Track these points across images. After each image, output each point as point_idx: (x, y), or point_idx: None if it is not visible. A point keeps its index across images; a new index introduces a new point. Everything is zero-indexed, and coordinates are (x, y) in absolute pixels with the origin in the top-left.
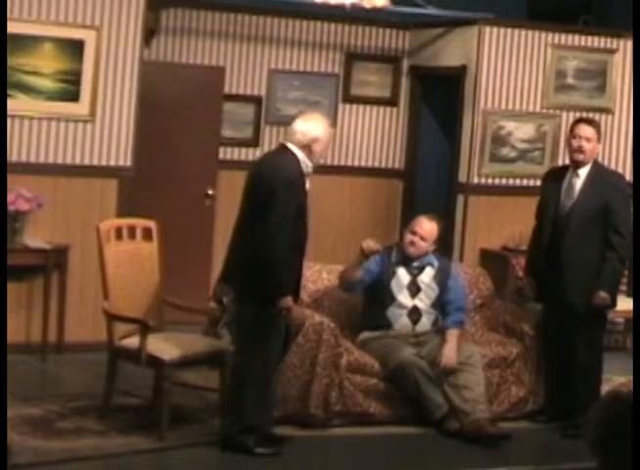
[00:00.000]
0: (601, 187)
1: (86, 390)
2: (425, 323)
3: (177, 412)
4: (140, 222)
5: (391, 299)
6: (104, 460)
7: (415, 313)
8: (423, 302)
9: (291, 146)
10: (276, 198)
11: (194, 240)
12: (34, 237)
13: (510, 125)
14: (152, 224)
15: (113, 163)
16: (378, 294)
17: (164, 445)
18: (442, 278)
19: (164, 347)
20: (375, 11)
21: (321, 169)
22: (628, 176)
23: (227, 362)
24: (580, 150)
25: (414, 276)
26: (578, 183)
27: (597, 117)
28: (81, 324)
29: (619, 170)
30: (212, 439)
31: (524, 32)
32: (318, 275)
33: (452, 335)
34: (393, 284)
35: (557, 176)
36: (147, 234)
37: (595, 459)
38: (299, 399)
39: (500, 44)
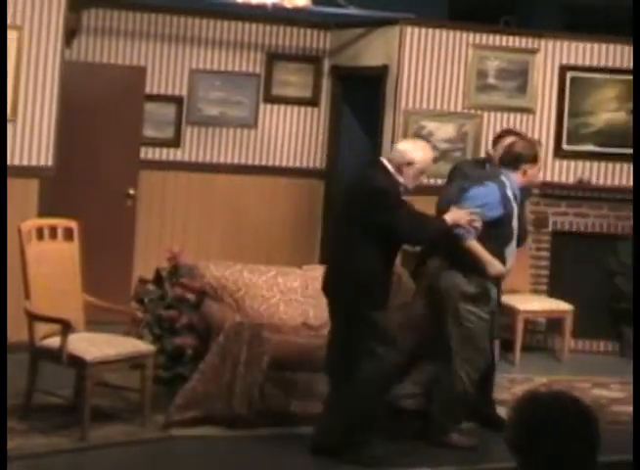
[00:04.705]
0: None
1: (7, 390)
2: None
3: (98, 412)
4: (61, 222)
5: (511, 236)
6: (26, 460)
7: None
8: None
9: (384, 161)
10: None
11: (115, 240)
12: None
13: (431, 125)
14: (73, 224)
15: (34, 162)
16: (498, 232)
17: (86, 444)
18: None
19: (86, 346)
20: (296, 11)
21: (242, 170)
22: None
23: (148, 363)
24: None
25: (518, 205)
26: None
27: (518, 116)
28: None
29: None
30: (133, 438)
31: (445, 32)
32: (239, 275)
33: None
34: (514, 218)
35: None
36: (68, 234)
37: (514, 459)
38: (223, 398)
39: (421, 44)
